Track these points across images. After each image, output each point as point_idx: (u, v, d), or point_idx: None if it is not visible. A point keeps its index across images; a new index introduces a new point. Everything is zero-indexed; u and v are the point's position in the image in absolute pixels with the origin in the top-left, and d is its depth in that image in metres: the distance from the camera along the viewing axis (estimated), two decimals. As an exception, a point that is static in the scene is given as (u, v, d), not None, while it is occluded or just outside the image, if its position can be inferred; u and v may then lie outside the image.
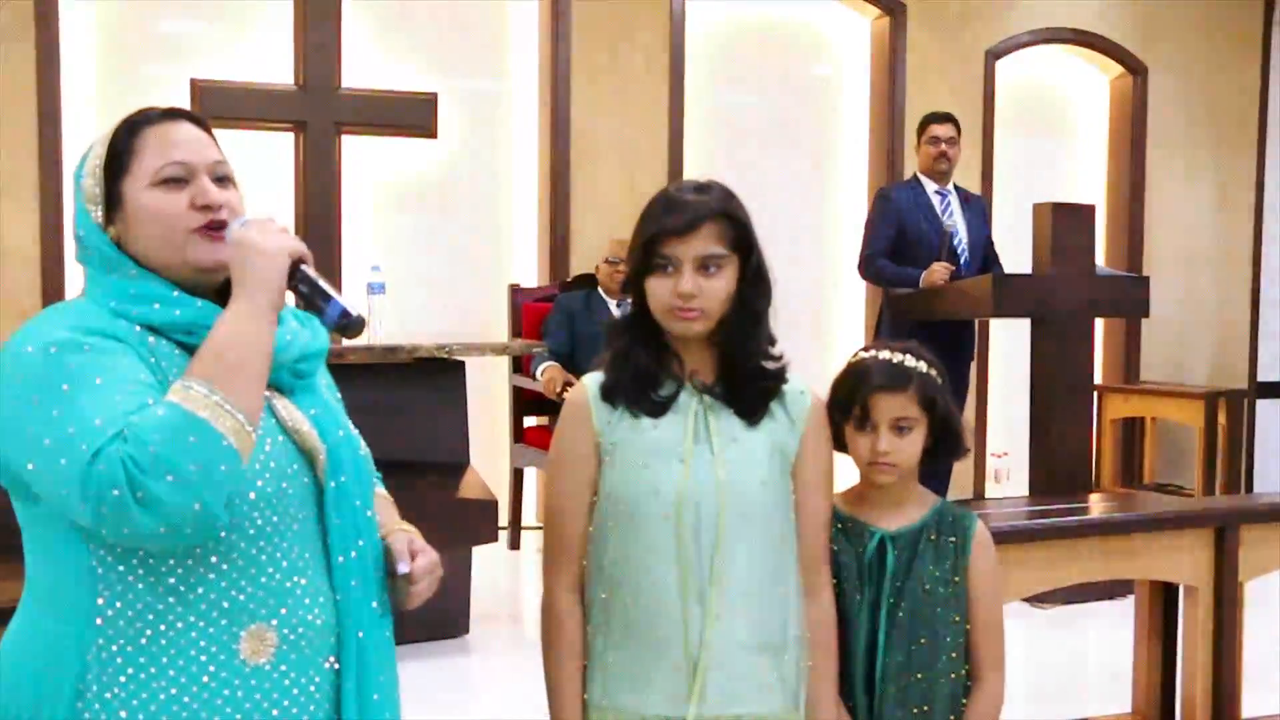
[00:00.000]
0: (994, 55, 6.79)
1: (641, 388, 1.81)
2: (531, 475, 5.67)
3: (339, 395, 1.68)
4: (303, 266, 1.46)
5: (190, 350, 1.43)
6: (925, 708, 1.99)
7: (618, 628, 1.79)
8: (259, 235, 1.44)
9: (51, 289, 5.19)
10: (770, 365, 1.85)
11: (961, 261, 5.16)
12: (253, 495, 1.41)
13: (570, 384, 4.85)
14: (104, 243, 1.48)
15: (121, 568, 1.39)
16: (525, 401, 5.53)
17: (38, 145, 5.17)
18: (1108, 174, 7.32)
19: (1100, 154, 7.34)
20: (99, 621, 1.39)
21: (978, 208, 5.39)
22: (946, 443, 2.02)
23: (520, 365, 5.49)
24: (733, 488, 1.78)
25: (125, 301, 1.46)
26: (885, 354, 2.01)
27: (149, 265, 1.48)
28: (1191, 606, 3.16)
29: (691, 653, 1.76)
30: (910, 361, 2.00)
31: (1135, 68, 7.14)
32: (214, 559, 1.40)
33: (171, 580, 1.39)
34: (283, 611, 1.45)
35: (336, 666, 1.50)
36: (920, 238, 5.13)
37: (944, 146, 5.21)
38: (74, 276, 5.28)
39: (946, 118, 5.30)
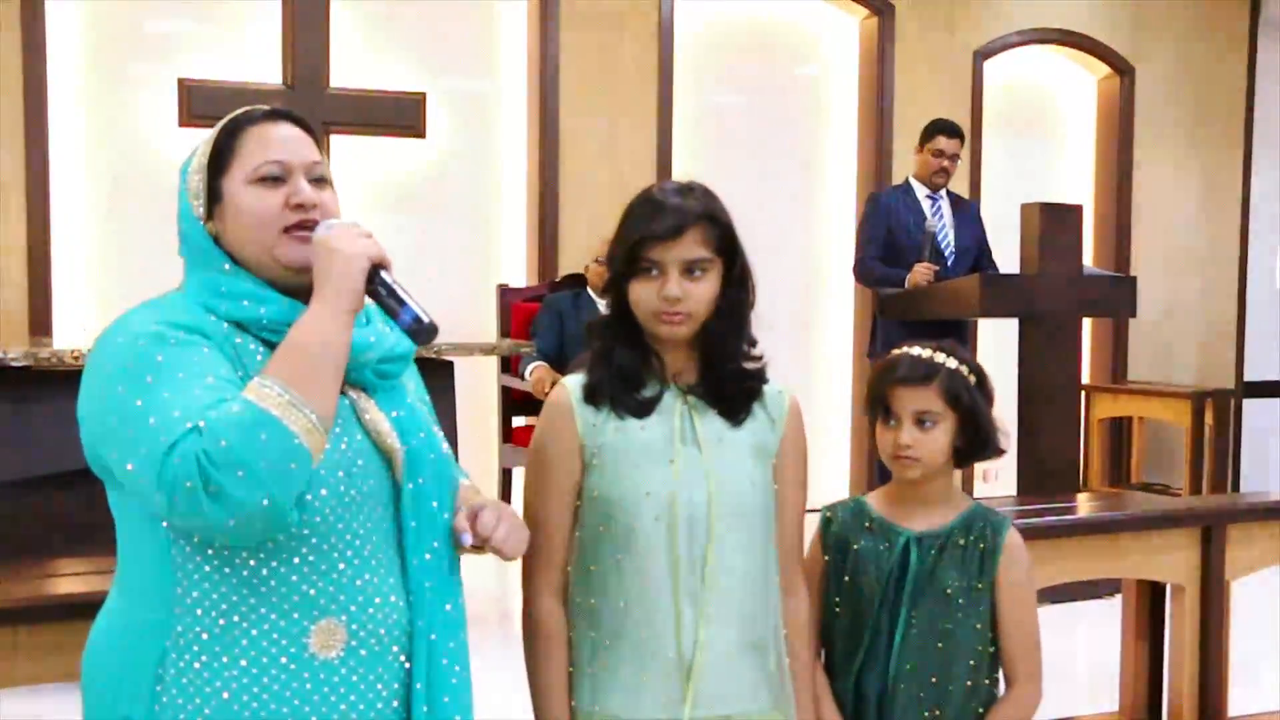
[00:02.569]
0: (982, 55, 6.81)
1: (625, 388, 1.80)
2: (520, 475, 5.64)
3: (426, 398, 1.70)
4: (381, 272, 1.47)
5: (275, 348, 1.45)
6: (938, 712, 1.98)
7: (607, 632, 1.77)
8: (340, 239, 1.46)
9: (38, 286, 5.18)
10: (751, 365, 1.85)
11: (948, 263, 5.17)
12: (324, 492, 1.43)
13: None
14: (202, 237, 1.52)
15: (198, 557, 1.42)
16: (514, 402, 5.53)
17: (24, 143, 5.15)
18: (1095, 174, 7.34)
19: (1087, 154, 7.35)
20: (177, 610, 1.42)
21: (969, 212, 5.40)
22: (975, 441, 2.00)
23: (509, 365, 5.48)
24: (722, 488, 1.77)
25: (215, 297, 1.49)
26: (916, 350, 2.01)
27: (243, 261, 1.51)
28: (1179, 605, 3.17)
29: (685, 655, 1.75)
30: (939, 357, 1.98)
31: (1122, 68, 7.17)
32: (285, 553, 1.42)
33: (245, 572, 1.42)
34: (353, 608, 1.46)
35: (409, 665, 1.52)
36: (909, 240, 5.15)
37: (946, 162, 5.21)
38: (61, 273, 5.29)
39: (956, 131, 5.27)
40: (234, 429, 1.30)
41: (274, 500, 1.31)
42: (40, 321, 5.18)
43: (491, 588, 4.66)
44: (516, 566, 1.88)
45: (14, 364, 3.44)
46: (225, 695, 1.41)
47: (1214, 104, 7.41)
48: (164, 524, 1.41)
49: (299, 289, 1.50)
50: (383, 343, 1.54)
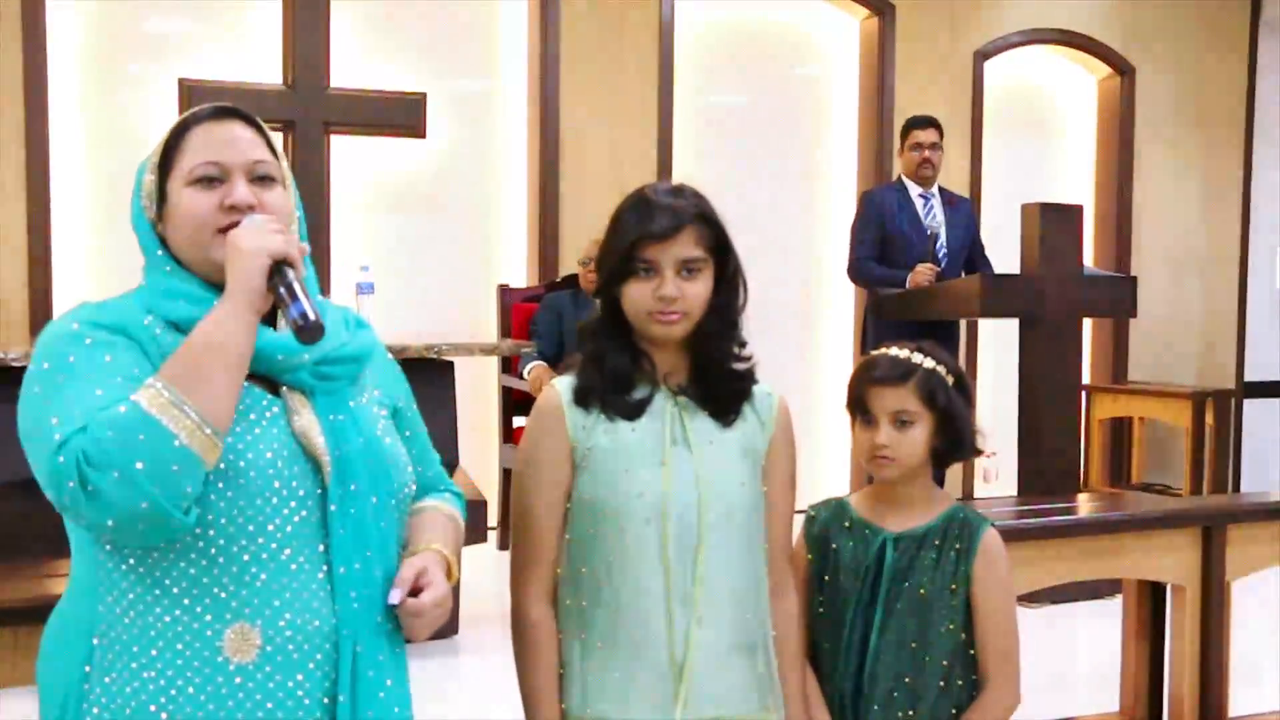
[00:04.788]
0: (982, 56, 6.81)
1: (616, 390, 1.80)
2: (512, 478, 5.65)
3: (406, 402, 1.67)
4: (286, 269, 1.44)
5: None
6: (912, 712, 1.97)
7: (597, 635, 1.77)
8: (244, 235, 1.43)
9: (38, 287, 5.18)
10: (740, 366, 1.85)
11: (942, 263, 5.18)
12: (231, 494, 1.40)
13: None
14: (149, 238, 1.52)
15: (116, 556, 1.42)
16: (514, 401, 5.52)
17: (25, 144, 5.16)
18: (1095, 174, 7.34)
19: (1088, 154, 7.36)
20: (100, 608, 1.43)
21: (962, 210, 5.40)
22: (953, 442, 1.99)
23: (509, 365, 5.48)
24: (713, 489, 1.77)
25: (157, 298, 1.49)
26: (894, 350, 2.00)
27: (185, 262, 1.51)
28: (1179, 606, 3.17)
29: (676, 657, 1.75)
30: (916, 358, 1.98)
31: (1123, 68, 7.16)
32: (194, 554, 1.40)
33: (157, 572, 1.41)
34: (267, 613, 1.43)
35: (331, 673, 1.47)
36: (903, 240, 5.16)
37: (927, 153, 5.24)
38: (61, 273, 5.29)
39: (929, 122, 5.32)
40: (113, 429, 1.29)
41: (154, 503, 1.29)
42: (40, 321, 5.18)
43: (492, 587, 4.66)
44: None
45: (14, 364, 3.44)
46: (143, 697, 1.41)
47: (1214, 104, 7.41)
48: None
49: None
50: (323, 343, 1.50)
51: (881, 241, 5.18)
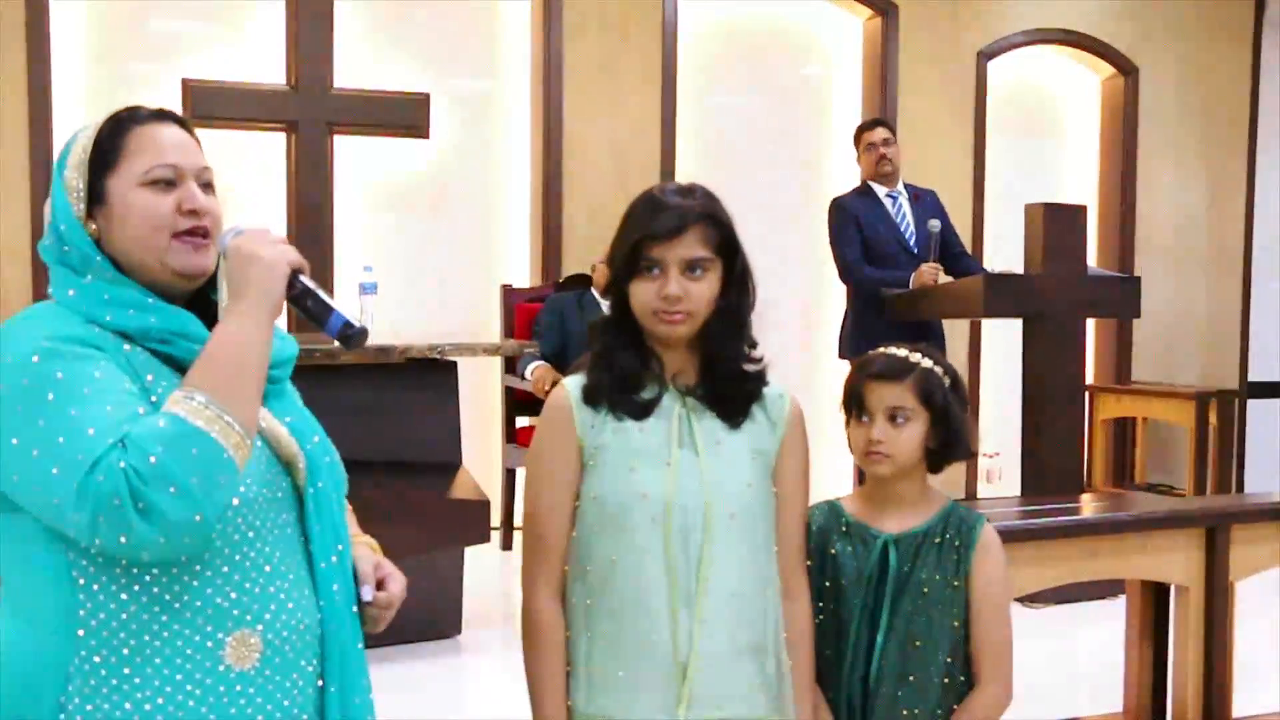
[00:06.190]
0: (986, 56, 6.80)
1: (624, 390, 1.80)
2: (524, 475, 5.65)
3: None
4: (301, 277, 1.45)
5: (164, 358, 1.43)
6: (917, 710, 1.98)
7: (602, 633, 1.78)
8: (258, 244, 1.43)
9: (43, 289, 5.17)
10: (751, 368, 1.85)
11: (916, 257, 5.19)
12: (236, 501, 1.40)
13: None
14: (83, 239, 1.46)
15: (105, 578, 1.37)
16: (517, 402, 5.53)
17: (28, 145, 5.16)
18: (1099, 174, 7.33)
19: (1091, 154, 7.35)
20: (81, 633, 1.37)
21: (929, 202, 5.39)
22: (947, 442, 2.00)
23: (513, 366, 5.49)
24: (719, 490, 1.78)
25: (99, 306, 1.44)
26: (892, 349, 2.02)
27: (125, 265, 1.47)
28: (1183, 606, 3.17)
29: (680, 657, 1.75)
30: (914, 357, 1.99)
31: (1126, 68, 7.16)
32: (198, 566, 1.39)
33: (156, 589, 1.38)
34: (267, 616, 1.44)
35: (318, 668, 1.50)
36: (880, 243, 5.17)
37: (881, 150, 5.27)
38: (65, 276, 5.29)
39: (877, 123, 5.41)
40: (163, 444, 1.27)
41: (205, 516, 1.29)
42: (44, 322, 5.18)
43: (495, 588, 4.66)
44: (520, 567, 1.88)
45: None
46: (137, 719, 1.37)
47: (1218, 104, 7.40)
48: (65, 545, 1.36)
49: (179, 295, 1.48)
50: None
51: (864, 247, 5.19)
